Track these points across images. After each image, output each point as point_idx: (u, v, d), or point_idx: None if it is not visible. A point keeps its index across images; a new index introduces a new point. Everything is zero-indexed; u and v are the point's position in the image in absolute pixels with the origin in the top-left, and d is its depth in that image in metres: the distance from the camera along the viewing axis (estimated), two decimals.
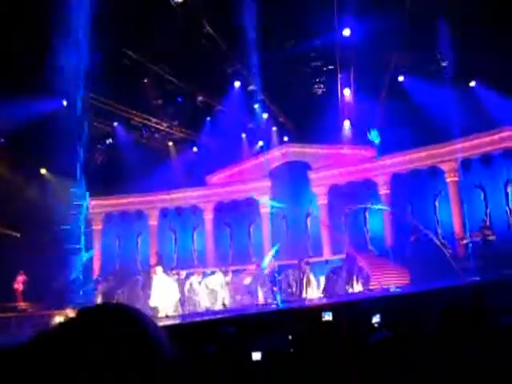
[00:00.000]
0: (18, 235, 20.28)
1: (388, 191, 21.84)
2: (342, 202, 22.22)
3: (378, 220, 21.98)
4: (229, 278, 18.09)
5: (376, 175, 21.92)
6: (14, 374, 0.81)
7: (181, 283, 17.55)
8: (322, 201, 22.90)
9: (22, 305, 17.80)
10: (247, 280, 18.50)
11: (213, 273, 18.52)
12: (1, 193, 19.01)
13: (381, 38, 17.69)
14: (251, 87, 23.22)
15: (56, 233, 19.35)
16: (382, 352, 2.95)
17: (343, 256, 19.53)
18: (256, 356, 4.67)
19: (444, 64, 20.52)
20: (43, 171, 22.28)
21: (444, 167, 20.66)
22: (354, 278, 17.65)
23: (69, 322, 0.88)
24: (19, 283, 18.31)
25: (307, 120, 22.55)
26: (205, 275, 18.78)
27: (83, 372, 0.79)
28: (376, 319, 5.92)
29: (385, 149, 21.54)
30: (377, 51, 18.62)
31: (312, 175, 22.97)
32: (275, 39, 19.67)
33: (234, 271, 19.75)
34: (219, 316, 12.58)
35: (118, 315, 0.89)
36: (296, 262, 18.54)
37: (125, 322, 0.88)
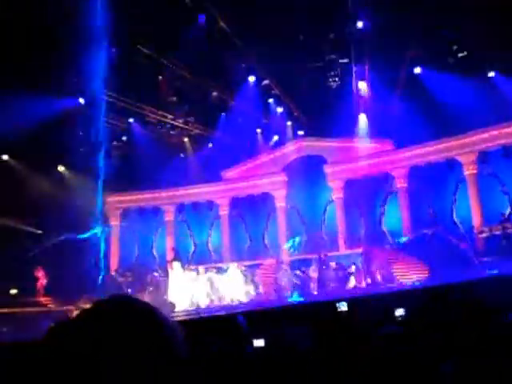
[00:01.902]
0: (39, 232, 20.52)
1: (405, 185, 21.67)
2: (359, 196, 22.11)
3: (396, 214, 21.83)
4: (247, 276, 18.18)
5: (393, 168, 21.76)
6: (34, 367, 0.82)
7: (198, 278, 17.65)
8: (337, 195, 22.81)
9: (42, 300, 18.03)
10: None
11: (227, 268, 18.59)
12: (20, 190, 19.26)
13: (396, 30, 17.52)
14: (265, 82, 23.21)
15: (75, 230, 19.59)
16: (389, 345, 2.94)
17: (359, 250, 19.47)
18: (258, 343, 4.69)
19: (461, 55, 20.29)
20: (61, 168, 22.51)
21: (462, 159, 20.42)
22: (364, 274, 17.72)
23: (83, 314, 0.90)
24: (40, 279, 18.55)
25: (322, 114, 22.43)
26: (220, 270, 18.87)
27: (98, 363, 0.80)
28: (398, 313, 5.90)
29: (402, 142, 21.37)
30: (392, 43, 18.44)
31: (328, 169, 22.86)
32: (288, 33, 19.58)
33: (249, 266, 19.82)
34: (236, 310, 12.62)
35: (130, 307, 0.90)
36: (315, 256, 18.56)
37: (136, 313, 0.89)
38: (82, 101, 20.61)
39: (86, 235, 19.17)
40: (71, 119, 20.95)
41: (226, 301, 17.28)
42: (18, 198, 19.14)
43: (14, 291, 17.60)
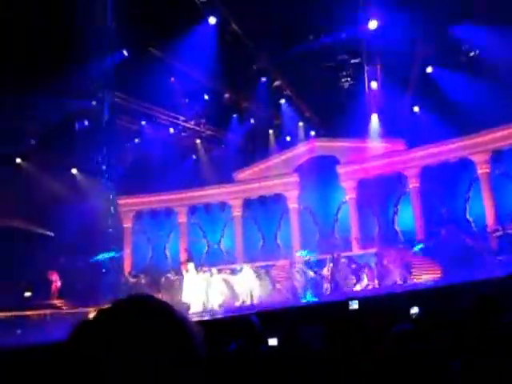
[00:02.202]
0: (52, 234, 20.69)
1: (418, 184, 21.54)
2: (372, 196, 22.03)
3: (409, 213, 21.72)
4: (261, 273, 18.18)
5: (406, 168, 21.65)
6: (58, 369, 0.83)
7: (212, 279, 17.69)
8: (350, 195, 22.74)
9: (56, 302, 18.17)
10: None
11: (241, 269, 18.60)
12: (33, 193, 19.44)
13: (408, 29, 17.44)
14: (277, 83, 23.22)
15: (87, 231, 19.72)
16: (400, 344, 2.93)
17: (373, 251, 19.42)
18: (272, 342, 4.74)
19: (472, 54, 20.18)
20: (74, 171, 22.67)
21: (475, 159, 20.26)
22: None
23: (103, 314, 0.90)
24: (54, 281, 18.70)
25: (334, 114, 22.40)
26: (234, 271, 18.89)
27: (119, 362, 0.81)
28: (413, 311, 5.90)
29: (414, 141, 21.27)
30: (404, 42, 18.35)
31: (340, 170, 22.80)
32: (300, 33, 19.58)
33: (262, 267, 19.83)
34: (249, 311, 12.63)
35: (150, 306, 0.90)
36: (329, 256, 18.54)
37: (156, 312, 0.90)
38: (94, 103, 20.77)
39: (99, 257, 19.28)
40: (83, 122, 21.14)
41: (240, 301, 17.30)
42: (30, 200, 19.34)
43: (28, 294, 17.75)
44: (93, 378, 0.80)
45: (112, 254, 19.71)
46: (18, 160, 21.40)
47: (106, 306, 0.91)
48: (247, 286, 17.57)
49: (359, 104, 21.79)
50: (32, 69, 16.66)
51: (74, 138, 20.30)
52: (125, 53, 19.57)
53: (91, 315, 0.90)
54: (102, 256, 19.28)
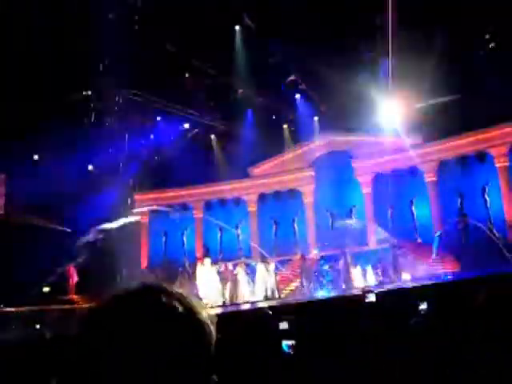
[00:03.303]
0: (69, 230, 20.86)
1: (435, 178, 21.33)
2: (388, 190, 21.85)
3: (425, 207, 21.52)
4: (271, 268, 18.15)
5: (422, 162, 21.44)
6: (69, 359, 0.83)
7: (228, 275, 17.74)
8: (366, 190, 22.60)
9: (74, 297, 18.36)
10: None
11: (255, 264, 18.61)
12: (50, 189, 19.62)
13: (423, 20, 17.24)
14: (291, 77, 23.12)
15: (104, 228, 19.84)
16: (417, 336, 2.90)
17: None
18: (283, 325, 4.82)
19: (492, 45, 19.88)
20: (90, 167, 22.83)
21: (493, 152, 19.99)
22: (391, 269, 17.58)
23: (115, 301, 0.89)
24: (72, 277, 18.88)
25: (349, 108, 22.22)
26: (248, 266, 18.91)
27: (131, 349, 0.80)
28: (423, 306, 5.84)
29: (431, 135, 21.04)
30: (420, 34, 18.12)
31: (356, 164, 22.67)
32: (315, 27, 19.45)
33: (278, 262, 19.82)
34: (262, 305, 12.63)
35: (162, 295, 0.89)
36: (341, 250, 18.47)
37: (169, 300, 0.89)
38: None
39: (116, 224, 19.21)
40: (99, 118, 21.29)
41: (251, 297, 17.30)
42: (47, 196, 19.52)
43: (46, 289, 17.96)
44: (103, 367, 0.80)
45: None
46: (36, 157, 21.62)
47: (118, 293, 0.91)
48: (258, 283, 17.59)
49: (375, 98, 21.59)
50: (46, 68, 16.80)
51: (90, 134, 20.45)
52: (141, 49, 19.64)
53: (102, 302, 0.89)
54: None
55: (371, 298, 7.78)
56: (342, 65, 20.66)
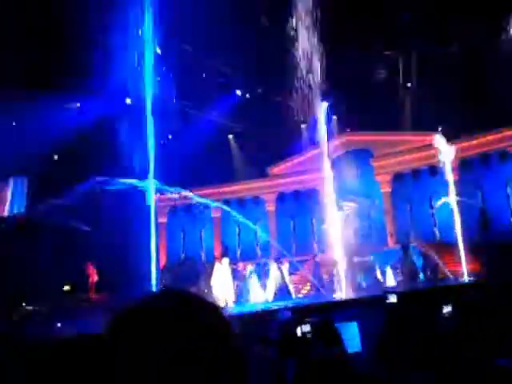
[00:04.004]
0: (88, 229, 21.02)
1: (456, 177, 21.02)
2: (407, 189, 21.62)
3: (446, 207, 21.21)
4: (285, 268, 18.10)
5: (442, 161, 21.13)
6: (93, 362, 0.86)
7: (244, 274, 17.74)
8: (385, 189, 22.38)
9: (93, 296, 18.51)
10: None
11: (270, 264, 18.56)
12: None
13: (442, 15, 17.01)
14: (309, 76, 22.97)
15: (124, 226, 19.99)
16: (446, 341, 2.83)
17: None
18: (305, 328, 4.75)
19: None
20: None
21: None
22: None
23: (138, 307, 0.89)
24: (92, 275, 19.04)
25: (368, 107, 22.06)
26: (264, 266, 18.88)
27: (153, 355, 0.80)
28: (446, 309, 5.73)
29: (451, 133, 20.74)
30: (439, 29, 17.88)
31: (375, 163, 22.47)
32: (332, 25, 19.32)
33: (296, 262, 19.72)
34: (280, 306, 12.59)
35: (182, 300, 0.91)
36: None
37: (191, 304, 0.90)
38: (128, 101, 20.99)
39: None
40: (119, 119, 21.40)
41: (266, 297, 17.26)
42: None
43: (67, 288, 18.14)
44: (126, 371, 0.80)
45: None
46: (56, 157, 21.88)
47: (140, 300, 0.91)
48: (271, 283, 17.56)
49: (394, 96, 21.41)
50: (71, 68, 16.95)
51: (111, 135, 20.58)
52: (159, 49, 19.70)
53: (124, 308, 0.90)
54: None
55: (392, 299, 7.66)
56: (361, 62, 20.53)
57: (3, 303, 15.72)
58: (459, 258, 17.97)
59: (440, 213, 21.48)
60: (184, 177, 23.36)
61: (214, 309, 0.92)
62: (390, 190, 22.29)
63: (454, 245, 18.89)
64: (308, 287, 19.47)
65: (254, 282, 17.57)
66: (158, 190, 22.46)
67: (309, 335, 4.62)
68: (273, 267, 17.93)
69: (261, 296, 17.19)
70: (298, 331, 4.72)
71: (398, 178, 22.15)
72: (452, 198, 20.79)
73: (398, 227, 21.61)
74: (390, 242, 21.06)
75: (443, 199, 18.99)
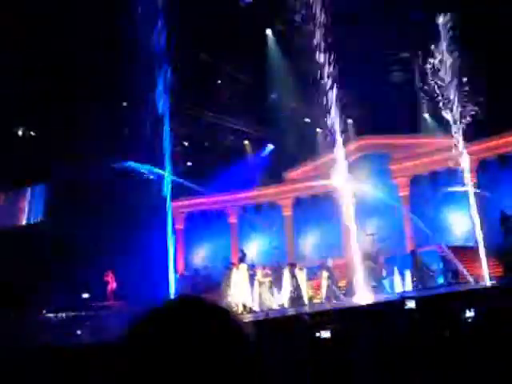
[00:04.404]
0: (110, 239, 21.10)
1: (474, 180, 20.75)
2: (426, 192, 21.40)
3: (465, 210, 20.94)
4: (301, 273, 18.01)
5: (461, 163, 20.88)
6: (113, 369, 0.84)
7: (262, 280, 17.69)
8: (403, 192, 22.18)
9: (112, 303, 18.58)
10: None
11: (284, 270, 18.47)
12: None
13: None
14: (324, 80, 22.90)
15: (143, 233, 20.08)
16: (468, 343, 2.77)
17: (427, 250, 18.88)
18: (325, 334, 4.74)
19: None
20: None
21: None
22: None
23: (155, 314, 0.90)
24: (110, 283, 19.12)
25: (384, 110, 21.90)
26: (275, 272, 18.81)
27: (172, 363, 0.81)
28: (468, 313, 5.62)
29: (469, 135, 20.49)
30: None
31: (392, 166, 22.29)
32: (347, 28, 19.25)
33: (312, 267, 19.61)
34: (299, 311, 12.49)
35: (201, 307, 0.91)
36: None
37: (208, 312, 0.90)
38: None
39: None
40: (136, 127, 21.55)
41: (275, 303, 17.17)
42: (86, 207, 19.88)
43: (85, 295, 18.24)
44: (146, 378, 0.81)
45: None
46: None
47: (158, 307, 0.92)
48: (287, 287, 17.49)
49: (410, 98, 21.23)
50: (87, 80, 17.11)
51: (123, 141, 20.75)
52: (174, 55, 19.82)
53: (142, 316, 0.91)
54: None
55: (410, 304, 7.54)
56: (376, 64, 20.41)
57: (24, 311, 15.88)
58: (480, 261, 17.70)
59: (459, 216, 21.23)
60: (201, 183, 23.45)
61: (228, 315, 0.91)
62: (407, 193, 22.08)
63: (475, 248, 18.63)
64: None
65: (268, 288, 17.52)
66: (175, 196, 22.60)
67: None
68: (287, 273, 17.85)
69: (276, 302, 17.11)
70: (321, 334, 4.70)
71: (415, 181, 21.94)
72: (471, 201, 20.53)
73: (417, 231, 21.37)
74: (410, 246, 20.82)
75: (458, 187, 18.78)
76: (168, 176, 14.25)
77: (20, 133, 21.01)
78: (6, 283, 14.72)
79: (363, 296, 15.97)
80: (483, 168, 20.59)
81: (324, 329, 5.03)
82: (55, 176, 21.10)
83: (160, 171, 14.72)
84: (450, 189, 19.09)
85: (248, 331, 0.91)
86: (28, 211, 23.71)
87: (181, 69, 19.17)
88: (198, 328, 0.86)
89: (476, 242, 18.83)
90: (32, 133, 22.00)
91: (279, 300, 17.23)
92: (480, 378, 2.45)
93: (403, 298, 8.87)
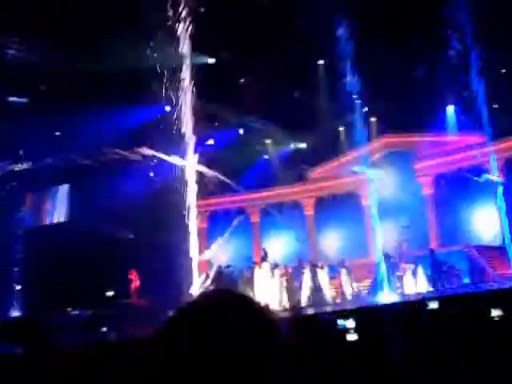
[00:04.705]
0: (132, 236, 21.37)
1: (501, 178, 20.38)
2: (451, 191, 21.08)
3: (491, 209, 20.59)
4: (322, 272, 17.95)
5: (486, 161, 20.52)
6: (147, 363, 0.84)
7: (282, 278, 17.70)
8: (427, 191, 21.91)
9: (136, 301, 18.75)
10: None
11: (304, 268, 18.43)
12: (113, 196, 20.22)
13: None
14: (347, 78, 22.73)
15: (166, 233, 20.23)
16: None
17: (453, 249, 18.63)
18: (351, 337, 4.71)
19: None
20: (151, 174, 23.31)
21: None
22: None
23: (191, 308, 0.91)
24: (134, 281, 19.30)
25: (408, 107, 21.61)
26: (296, 270, 18.79)
27: (208, 355, 0.81)
28: (496, 312, 5.50)
29: (495, 133, 20.14)
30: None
31: (417, 165, 22.02)
32: (366, 26, 19.08)
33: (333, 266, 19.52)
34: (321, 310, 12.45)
35: (235, 300, 0.92)
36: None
37: (241, 306, 0.91)
38: (168, 109, 21.26)
39: None
40: (158, 127, 21.71)
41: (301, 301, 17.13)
42: (111, 204, 20.09)
43: (110, 293, 18.45)
44: (183, 372, 0.81)
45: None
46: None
47: (192, 300, 0.93)
48: (307, 286, 17.45)
49: (435, 95, 20.93)
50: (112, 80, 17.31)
51: (149, 142, 20.91)
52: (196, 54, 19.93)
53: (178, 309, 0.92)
54: None
55: (433, 305, 7.42)
56: (399, 60, 20.16)
57: (49, 308, 16.14)
58: (508, 261, 17.40)
59: (485, 215, 20.88)
60: (224, 182, 23.51)
61: (262, 309, 0.93)
62: (432, 191, 21.80)
63: (502, 248, 18.31)
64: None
65: (289, 287, 17.53)
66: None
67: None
68: (307, 271, 17.80)
69: (297, 300, 17.09)
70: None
71: (440, 179, 21.65)
72: (498, 200, 20.18)
73: (442, 230, 21.10)
74: (434, 246, 20.53)
75: (486, 175, 18.48)
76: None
77: None
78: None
79: (387, 295, 15.87)
80: (510, 166, 20.21)
81: (348, 332, 5.00)
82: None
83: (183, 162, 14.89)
84: (478, 179, 18.71)
85: (276, 323, 0.92)
86: (53, 210, 24.10)
87: (203, 68, 19.32)
88: (239, 320, 0.87)
89: (503, 241, 18.52)
90: None
91: (300, 299, 17.19)
92: (509, 377, 2.40)
93: (426, 298, 8.75)
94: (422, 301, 8.01)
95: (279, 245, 24.60)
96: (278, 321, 0.92)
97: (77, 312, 16.66)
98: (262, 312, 0.91)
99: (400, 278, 17.36)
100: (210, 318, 0.86)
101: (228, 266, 22.36)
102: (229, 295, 0.93)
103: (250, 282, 18.95)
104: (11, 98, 20.18)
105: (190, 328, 0.85)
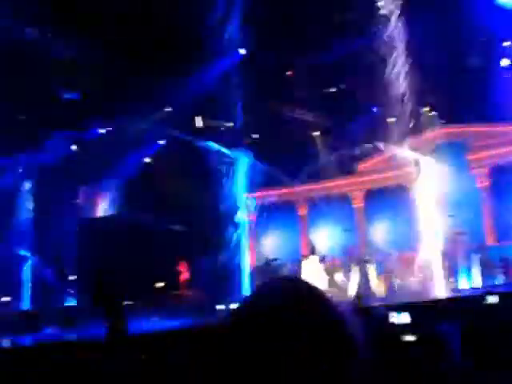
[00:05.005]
0: (185, 229, 21.56)
1: None
2: (508, 183, 20.26)
3: None
4: (369, 268, 17.69)
5: None
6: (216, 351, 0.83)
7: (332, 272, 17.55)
8: (482, 183, 21.14)
9: (185, 292, 18.97)
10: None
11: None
12: (167, 191, 20.54)
13: None
14: (397, 69, 22.18)
15: (216, 225, 20.37)
16: None
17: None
18: (409, 338, 4.60)
19: None
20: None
21: None
22: None
23: (263, 294, 0.90)
24: (183, 273, 19.54)
25: (463, 96, 20.88)
26: (345, 265, 18.58)
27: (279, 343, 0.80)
28: None
29: None
30: None
31: (472, 156, 21.28)
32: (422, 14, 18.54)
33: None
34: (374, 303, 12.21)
35: (303, 287, 0.92)
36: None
37: (309, 293, 0.91)
38: None
39: None
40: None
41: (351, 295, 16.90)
42: (162, 199, 20.40)
43: (160, 284, 18.73)
44: (252, 360, 0.79)
45: None
46: (147, 160, 22.73)
47: (259, 288, 0.93)
48: (354, 281, 17.23)
49: (493, 84, 20.11)
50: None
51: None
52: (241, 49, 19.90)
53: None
54: None
55: (492, 299, 7.12)
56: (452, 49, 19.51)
57: (100, 300, 16.49)
58: None
59: None
60: (272, 175, 23.48)
61: (326, 297, 0.91)
62: (487, 184, 21.02)
63: None
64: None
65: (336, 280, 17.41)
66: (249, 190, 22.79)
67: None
68: (354, 267, 17.59)
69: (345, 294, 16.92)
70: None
71: (496, 171, 20.86)
72: None
73: (498, 223, 20.32)
74: (489, 240, 19.83)
75: None
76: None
77: None
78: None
79: (441, 290, 15.45)
80: None
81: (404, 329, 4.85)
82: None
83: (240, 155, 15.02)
84: None
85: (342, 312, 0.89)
86: (105, 203, 24.65)
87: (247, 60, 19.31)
88: (301, 306, 0.85)
89: None
90: None
91: (348, 293, 17.01)
92: None
93: (484, 292, 8.44)
94: (481, 295, 7.69)
95: (326, 237, 24.32)
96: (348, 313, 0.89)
97: (127, 302, 16.98)
98: (333, 305, 0.89)
99: (455, 273, 16.89)
100: (282, 311, 0.83)
101: (274, 260, 22.33)
102: (302, 286, 0.92)
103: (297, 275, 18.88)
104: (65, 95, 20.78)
105: (263, 319, 0.82)
